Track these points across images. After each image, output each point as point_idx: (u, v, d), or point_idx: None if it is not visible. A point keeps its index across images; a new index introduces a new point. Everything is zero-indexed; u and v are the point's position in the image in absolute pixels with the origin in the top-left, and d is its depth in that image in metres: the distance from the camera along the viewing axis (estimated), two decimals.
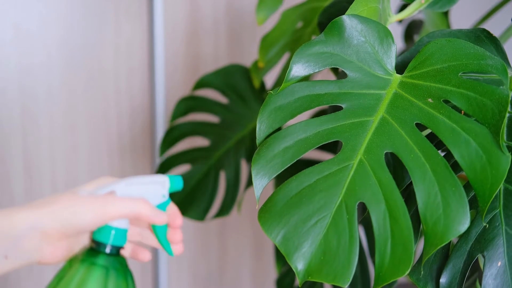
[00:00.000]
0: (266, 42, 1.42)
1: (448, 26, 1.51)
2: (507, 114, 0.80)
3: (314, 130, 0.84)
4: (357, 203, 0.79)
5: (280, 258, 1.45)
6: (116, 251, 0.78)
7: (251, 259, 2.08)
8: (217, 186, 1.54)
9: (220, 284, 2.06)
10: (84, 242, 0.79)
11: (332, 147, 1.13)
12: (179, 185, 0.82)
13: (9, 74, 1.70)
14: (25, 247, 0.73)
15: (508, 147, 0.84)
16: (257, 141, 0.84)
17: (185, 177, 1.54)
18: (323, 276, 0.77)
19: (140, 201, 0.76)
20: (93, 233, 0.77)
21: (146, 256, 0.84)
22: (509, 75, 0.83)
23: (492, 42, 0.91)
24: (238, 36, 1.95)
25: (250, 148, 1.51)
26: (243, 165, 1.56)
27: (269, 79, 1.79)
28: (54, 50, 1.74)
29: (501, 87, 0.81)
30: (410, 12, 1.02)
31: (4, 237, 0.73)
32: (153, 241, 0.83)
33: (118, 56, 1.82)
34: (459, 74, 0.84)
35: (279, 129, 0.85)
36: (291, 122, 0.86)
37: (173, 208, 0.81)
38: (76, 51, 1.76)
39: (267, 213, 0.81)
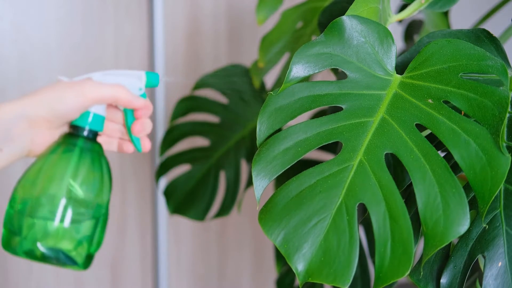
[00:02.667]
0: (266, 42, 1.42)
1: (448, 26, 1.51)
2: (507, 115, 0.80)
3: (314, 131, 0.84)
4: (357, 204, 0.79)
5: (280, 258, 1.45)
6: (93, 136, 0.82)
7: (251, 259, 2.08)
8: (217, 186, 1.54)
9: (220, 284, 2.06)
10: None
11: (333, 147, 1.13)
12: (155, 81, 0.85)
13: (9, 74, 1.70)
14: (16, 136, 0.78)
15: (508, 147, 0.84)
16: (258, 142, 0.84)
17: (185, 177, 1.54)
18: (323, 277, 0.77)
19: (118, 86, 0.81)
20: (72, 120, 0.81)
21: (128, 147, 0.88)
22: (509, 76, 0.83)
23: (492, 42, 0.91)
24: (238, 36, 1.95)
25: (250, 148, 1.51)
26: (243, 165, 1.56)
27: (269, 79, 1.79)
28: (54, 50, 1.74)
29: (501, 88, 0.81)
30: (410, 12, 1.02)
31: None
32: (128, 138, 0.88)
33: (118, 56, 1.82)
34: (459, 74, 0.84)
35: (279, 130, 0.85)
36: (291, 122, 0.86)
37: (146, 101, 0.84)
38: (76, 51, 1.76)
39: (268, 214, 0.81)
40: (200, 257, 2.02)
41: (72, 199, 0.78)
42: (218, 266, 2.05)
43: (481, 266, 0.89)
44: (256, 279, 2.10)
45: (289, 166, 0.82)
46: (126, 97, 0.81)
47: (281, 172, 0.82)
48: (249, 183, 1.54)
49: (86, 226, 0.79)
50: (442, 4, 1.03)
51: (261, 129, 0.84)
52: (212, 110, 1.55)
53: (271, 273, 2.06)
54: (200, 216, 1.53)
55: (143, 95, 0.84)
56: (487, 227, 0.84)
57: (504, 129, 0.77)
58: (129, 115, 0.85)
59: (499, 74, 0.82)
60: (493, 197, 0.76)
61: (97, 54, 1.80)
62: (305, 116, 0.94)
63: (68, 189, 0.78)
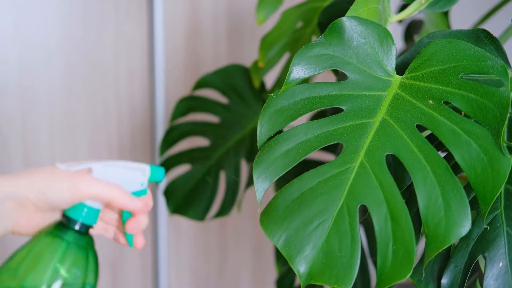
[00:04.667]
0: (266, 42, 1.42)
1: (448, 26, 1.51)
2: (508, 115, 0.79)
3: (315, 132, 0.84)
4: (359, 206, 0.79)
5: (280, 258, 1.45)
6: (85, 230, 0.78)
7: (251, 259, 2.08)
8: (217, 186, 1.54)
9: (220, 284, 2.06)
10: (58, 218, 0.80)
11: (333, 147, 1.13)
12: (160, 176, 0.81)
13: (9, 74, 1.70)
14: (1, 214, 0.75)
15: (508, 148, 0.84)
16: (258, 144, 0.84)
17: (185, 177, 1.54)
18: (325, 279, 0.77)
19: (115, 186, 0.77)
20: (65, 208, 0.78)
21: (123, 241, 0.84)
22: (510, 76, 0.83)
23: (492, 42, 0.91)
24: (238, 36, 1.95)
25: (250, 148, 1.51)
26: (243, 165, 1.56)
27: (269, 79, 1.79)
28: (54, 50, 1.74)
29: (501, 88, 0.81)
30: (410, 12, 1.02)
31: None
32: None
33: (118, 56, 1.82)
34: (460, 75, 0.84)
35: (280, 131, 0.85)
36: (292, 124, 0.86)
37: (147, 198, 0.81)
38: (76, 51, 1.76)
39: (269, 216, 0.81)
40: (200, 257, 2.02)
41: None
42: (218, 266, 2.05)
43: (482, 266, 0.89)
44: (256, 279, 2.10)
45: (290, 168, 0.82)
46: (121, 200, 0.77)
47: (282, 174, 0.82)
48: (249, 183, 1.54)
49: None
50: (442, 4, 1.03)
51: (262, 131, 0.84)
52: (212, 110, 1.55)
53: (271, 273, 2.06)
54: (200, 216, 1.53)
55: (144, 190, 0.80)
56: (488, 228, 0.84)
57: (505, 129, 0.77)
58: (124, 211, 0.81)
59: (499, 74, 0.82)
60: (494, 198, 0.76)
61: (97, 54, 1.79)
62: (305, 118, 0.94)
63: (50, 281, 0.74)
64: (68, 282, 0.76)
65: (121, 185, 0.78)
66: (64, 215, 0.78)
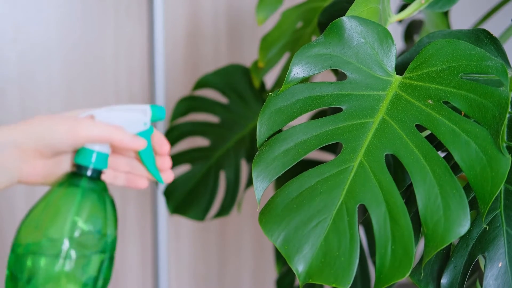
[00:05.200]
0: (266, 42, 1.42)
1: (448, 26, 1.51)
2: (507, 115, 0.80)
3: (314, 132, 0.84)
4: (358, 205, 0.79)
5: (280, 258, 1.45)
6: (97, 175, 0.79)
7: (251, 259, 2.08)
8: (217, 186, 1.54)
9: (220, 284, 2.06)
10: (64, 166, 0.81)
11: (333, 147, 1.13)
12: (161, 114, 0.82)
13: (9, 74, 1.70)
14: (3, 164, 0.76)
15: (508, 147, 0.84)
16: (258, 144, 0.84)
17: (185, 177, 1.54)
18: (324, 278, 0.77)
19: (114, 127, 0.78)
20: (74, 157, 0.79)
21: (142, 183, 0.85)
22: (509, 76, 0.83)
23: (492, 42, 0.91)
24: (238, 36, 1.95)
25: (250, 148, 1.51)
26: (243, 165, 1.56)
27: (269, 79, 1.79)
28: (54, 50, 1.74)
29: (501, 88, 0.81)
30: (410, 12, 1.02)
31: None
32: (142, 171, 0.85)
33: (118, 55, 1.82)
34: (459, 75, 0.84)
35: (279, 131, 0.85)
36: (292, 123, 0.86)
37: (158, 136, 0.82)
38: (76, 51, 1.76)
39: (268, 215, 0.81)
40: (200, 257, 2.02)
41: (76, 241, 0.76)
42: (218, 266, 2.05)
43: (482, 266, 0.89)
44: (256, 279, 2.10)
45: (289, 167, 0.82)
46: (121, 139, 0.77)
47: (281, 173, 0.82)
48: (249, 183, 1.54)
49: (91, 268, 0.77)
50: (442, 4, 1.03)
51: (261, 131, 0.84)
52: (212, 110, 1.55)
53: (271, 273, 2.06)
54: (200, 216, 1.53)
55: (150, 129, 0.82)
56: (487, 227, 0.84)
57: (504, 129, 0.77)
58: (141, 150, 0.82)
59: (499, 74, 0.82)
60: (493, 198, 0.76)
61: (97, 53, 1.79)
62: (305, 117, 0.94)
63: (72, 231, 0.76)
64: (88, 230, 0.77)
65: (124, 127, 0.79)
66: (75, 163, 0.79)
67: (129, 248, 1.91)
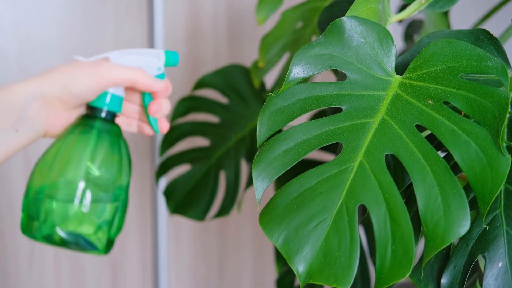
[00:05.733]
0: (266, 42, 1.42)
1: (448, 26, 1.51)
2: (507, 115, 0.80)
3: (314, 132, 0.84)
4: (358, 206, 0.79)
5: (280, 258, 1.45)
6: (111, 117, 0.79)
7: (251, 259, 2.08)
8: (217, 186, 1.54)
9: (220, 284, 2.06)
10: None
11: (333, 147, 1.13)
12: (175, 59, 0.82)
13: (9, 74, 1.70)
14: (31, 117, 0.75)
15: (508, 147, 0.84)
16: (258, 144, 0.84)
17: (185, 177, 1.54)
18: (324, 278, 0.77)
19: (137, 69, 0.77)
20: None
21: (149, 130, 0.85)
22: (509, 76, 0.83)
23: (492, 42, 0.91)
24: (238, 36, 1.95)
25: (250, 148, 1.51)
26: (243, 165, 1.56)
27: (269, 79, 1.79)
28: (54, 50, 1.74)
29: (501, 88, 0.81)
30: (410, 12, 1.02)
31: (11, 110, 0.75)
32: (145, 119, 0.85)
33: None
34: (459, 75, 0.84)
35: (279, 131, 0.85)
36: (291, 124, 0.86)
37: (166, 82, 0.82)
38: (76, 51, 1.76)
39: (268, 216, 0.81)
40: (200, 257, 2.02)
41: (91, 182, 0.76)
42: (218, 266, 2.05)
43: (481, 266, 0.89)
44: (256, 279, 2.10)
45: (289, 167, 0.82)
46: (144, 81, 0.78)
47: (281, 174, 0.82)
48: (249, 183, 1.54)
49: (106, 210, 0.77)
50: (442, 4, 1.03)
51: (261, 131, 0.84)
52: (212, 110, 1.55)
53: (271, 273, 2.06)
54: (200, 216, 1.53)
55: (162, 75, 0.81)
56: (487, 228, 0.84)
57: (504, 129, 0.78)
58: (146, 95, 0.82)
59: (499, 74, 0.82)
60: (493, 198, 0.76)
61: (97, 53, 1.79)
62: (305, 117, 0.94)
63: (87, 172, 0.76)
64: (102, 172, 0.77)
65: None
66: (89, 106, 0.78)
67: (129, 248, 1.91)
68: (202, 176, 1.54)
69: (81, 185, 0.75)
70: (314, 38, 1.33)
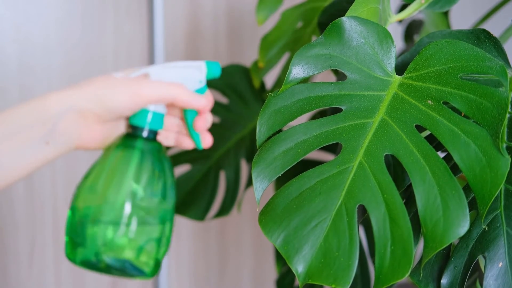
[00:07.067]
0: (266, 42, 1.42)
1: (448, 26, 1.51)
2: (507, 115, 0.80)
3: (314, 132, 0.84)
4: (357, 206, 0.79)
5: (280, 258, 1.45)
6: (153, 136, 0.76)
7: (251, 259, 2.08)
8: (217, 186, 1.54)
9: (220, 284, 2.06)
10: (122, 130, 0.78)
11: (333, 147, 1.13)
12: (217, 71, 0.79)
13: (9, 74, 1.70)
14: (63, 130, 0.73)
15: (508, 147, 0.84)
16: (257, 144, 0.84)
17: (185, 177, 1.54)
18: (323, 278, 0.78)
19: (177, 85, 0.75)
20: (129, 118, 0.76)
21: (188, 143, 0.82)
22: (509, 77, 0.83)
23: (492, 42, 0.91)
24: (238, 36, 1.95)
25: (250, 148, 1.51)
26: (243, 165, 1.56)
27: (269, 79, 1.79)
28: (54, 50, 1.74)
29: (500, 89, 0.81)
30: (410, 12, 1.02)
31: (43, 122, 0.72)
32: (186, 131, 0.82)
33: (118, 56, 1.82)
34: (459, 75, 0.84)
35: (279, 131, 0.85)
36: (291, 124, 0.86)
37: (208, 95, 0.79)
38: (76, 51, 1.76)
39: (268, 216, 0.81)
40: (200, 257, 2.02)
41: (136, 205, 0.73)
42: (218, 266, 2.05)
43: (482, 266, 0.89)
44: (256, 279, 2.10)
45: (289, 167, 0.82)
46: (184, 98, 0.75)
47: (281, 174, 0.82)
48: (249, 183, 1.54)
49: (153, 233, 0.74)
50: (442, 4, 1.03)
51: (261, 131, 0.84)
52: (212, 110, 1.55)
53: (271, 273, 2.06)
54: (200, 216, 1.53)
55: (204, 88, 0.78)
56: (486, 228, 0.84)
57: (504, 130, 0.77)
58: (188, 110, 0.79)
59: (498, 75, 0.82)
60: (492, 199, 0.76)
61: (97, 53, 1.79)
62: (305, 117, 0.94)
63: (131, 194, 0.73)
64: (147, 194, 0.74)
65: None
66: (130, 124, 0.76)
67: None
68: (202, 176, 1.54)
69: (126, 208, 0.72)
70: (314, 38, 1.33)
